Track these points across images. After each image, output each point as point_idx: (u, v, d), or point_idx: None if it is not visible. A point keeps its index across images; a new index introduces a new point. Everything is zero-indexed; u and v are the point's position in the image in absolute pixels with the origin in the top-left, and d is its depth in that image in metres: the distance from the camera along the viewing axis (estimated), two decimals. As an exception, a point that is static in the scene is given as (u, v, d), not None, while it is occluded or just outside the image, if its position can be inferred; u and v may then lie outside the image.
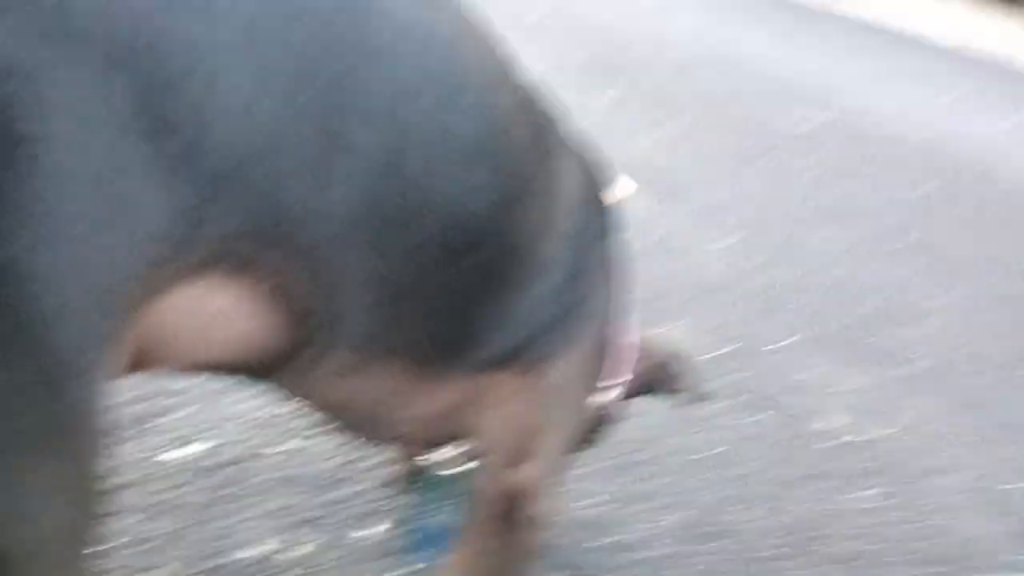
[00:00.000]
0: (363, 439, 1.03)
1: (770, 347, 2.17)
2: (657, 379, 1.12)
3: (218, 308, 0.62)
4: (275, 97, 0.57)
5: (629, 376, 1.06)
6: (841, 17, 8.01)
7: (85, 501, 0.51)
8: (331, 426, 0.97)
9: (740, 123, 4.03)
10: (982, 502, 1.79)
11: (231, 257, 0.59)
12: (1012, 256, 3.30)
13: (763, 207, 3.10)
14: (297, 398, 0.87)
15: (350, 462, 1.41)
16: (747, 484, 1.66)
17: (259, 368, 0.71)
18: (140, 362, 0.60)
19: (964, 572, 1.57)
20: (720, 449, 1.73)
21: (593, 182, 0.91)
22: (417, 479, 1.24)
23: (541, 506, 0.93)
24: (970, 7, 10.44)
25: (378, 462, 1.36)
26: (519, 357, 0.85)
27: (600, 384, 1.00)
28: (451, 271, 0.73)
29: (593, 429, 1.08)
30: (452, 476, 1.19)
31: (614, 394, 1.04)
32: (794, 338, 2.24)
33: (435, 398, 0.86)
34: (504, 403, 0.88)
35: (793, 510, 1.61)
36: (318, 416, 0.94)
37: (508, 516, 0.92)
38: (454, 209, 0.70)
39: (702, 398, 1.20)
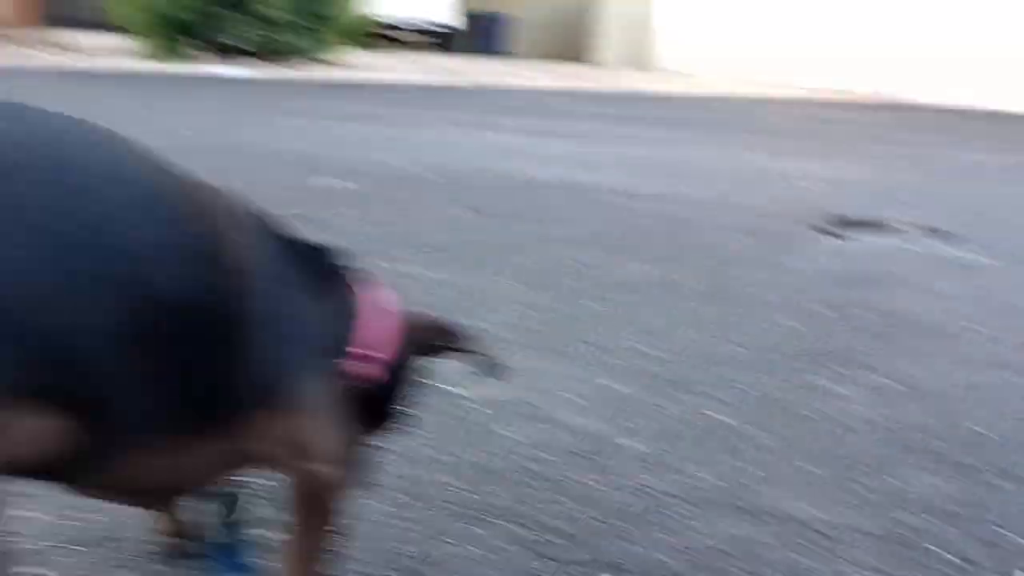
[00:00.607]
0: (154, 507, 1.31)
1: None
2: (438, 340, 1.28)
3: (23, 427, 0.79)
4: (22, 252, 0.76)
5: (385, 354, 1.18)
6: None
7: None
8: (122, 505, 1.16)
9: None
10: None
11: (21, 394, 0.77)
12: None
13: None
14: (93, 494, 1.03)
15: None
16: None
17: (59, 469, 0.88)
18: None
19: None
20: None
21: (258, 224, 1.07)
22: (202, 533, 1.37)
23: (339, 485, 1.13)
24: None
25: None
26: (266, 396, 1.01)
27: (357, 354, 1.15)
28: (190, 347, 0.91)
29: (384, 401, 1.23)
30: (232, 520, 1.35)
31: (373, 367, 1.16)
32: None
33: (213, 449, 1.01)
34: (270, 431, 1.03)
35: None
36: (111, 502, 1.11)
37: (314, 506, 1.13)
38: (171, 301, 0.88)
39: (492, 363, 1.31)
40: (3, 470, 0.82)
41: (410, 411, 1.30)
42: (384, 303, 1.22)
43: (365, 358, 1.16)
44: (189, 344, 0.92)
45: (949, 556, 1.58)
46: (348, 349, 1.15)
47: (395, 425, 1.28)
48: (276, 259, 1.06)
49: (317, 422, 1.09)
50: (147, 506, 1.28)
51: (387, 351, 1.19)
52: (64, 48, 13.28)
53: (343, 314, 1.16)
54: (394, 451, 1.77)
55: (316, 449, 1.09)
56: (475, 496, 1.67)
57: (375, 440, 1.28)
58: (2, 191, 0.78)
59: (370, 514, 1.56)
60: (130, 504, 1.19)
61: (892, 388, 2.35)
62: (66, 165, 0.84)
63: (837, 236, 4.25)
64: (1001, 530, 1.67)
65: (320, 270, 1.15)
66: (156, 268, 0.87)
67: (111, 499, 1.09)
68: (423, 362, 1.28)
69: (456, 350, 1.30)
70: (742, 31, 20.90)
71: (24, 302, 0.76)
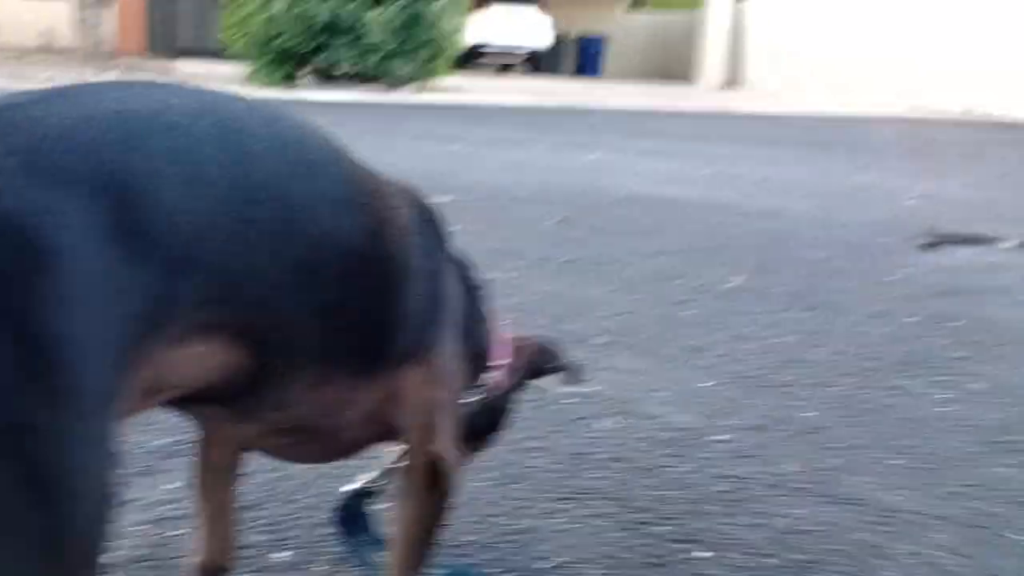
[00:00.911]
0: (303, 460, 1.36)
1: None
2: (539, 364, 1.40)
3: (196, 352, 0.86)
4: (203, 202, 0.82)
5: (509, 361, 1.33)
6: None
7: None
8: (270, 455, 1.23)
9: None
10: None
11: (199, 316, 0.83)
12: None
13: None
14: (252, 431, 1.12)
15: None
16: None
17: (233, 393, 0.96)
18: (144, 399, 0.85)
19: None
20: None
21: (423, 210, 1.17)
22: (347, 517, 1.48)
23: (455, 471, 1.20)
24: None
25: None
26: (416, 350, 1.11)
27: (487, 368, 1.29)
28: (355, 291, 1.00)
29: (496, 413, 1.36)
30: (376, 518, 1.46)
31: (499, 375, 1.31)
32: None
33: (366, 399, 1.10)
34: (414, 390, 1.13)
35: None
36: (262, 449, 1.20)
37: (432, 485, 1.19)
38: (339, 247, 0.97)
39: (579, 375, 1.44)
40: (178, 393, 0.91)
41: (508, 426, 1.44)
42: (502, 328, 1.35)
43: (496, 366, 1.29)
44: (356, 288, 1.00)
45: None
46: (485, 350, 1.28)
47: (497, 439, 1.42)
48: (436, 243, 1.17)
49: (450, 383, 1.18)
50: (305, 458, 1.33)
51: (510, 364, 1.32)
52: (169, 75, 13.94)
53: (481, 320, 1.29)
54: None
55: (441, 420, 1.17)
56: (572, 479, 1.81)
57: (479, 450, 1.41)
58: (195, 147, 0.86)
59: (470, 491, 1.71)
60: (291, 457, 1.26)
61: (980, 391, 2.40)
62: (247, 130, 0.93)
63: (936, 250, 4.26)
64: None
65: (465, 275, 1.28)
66: (328, 216, 0.96)
67: (273, 445, 1.19)
68: (527, 381, 1.41)
69: (557, 369, 1.42)
70: (834, 50, 20.63)
71: (203, 238, 0.82)
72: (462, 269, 1.28)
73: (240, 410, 1.05)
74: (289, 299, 0.93)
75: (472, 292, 1.29)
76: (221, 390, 0.95)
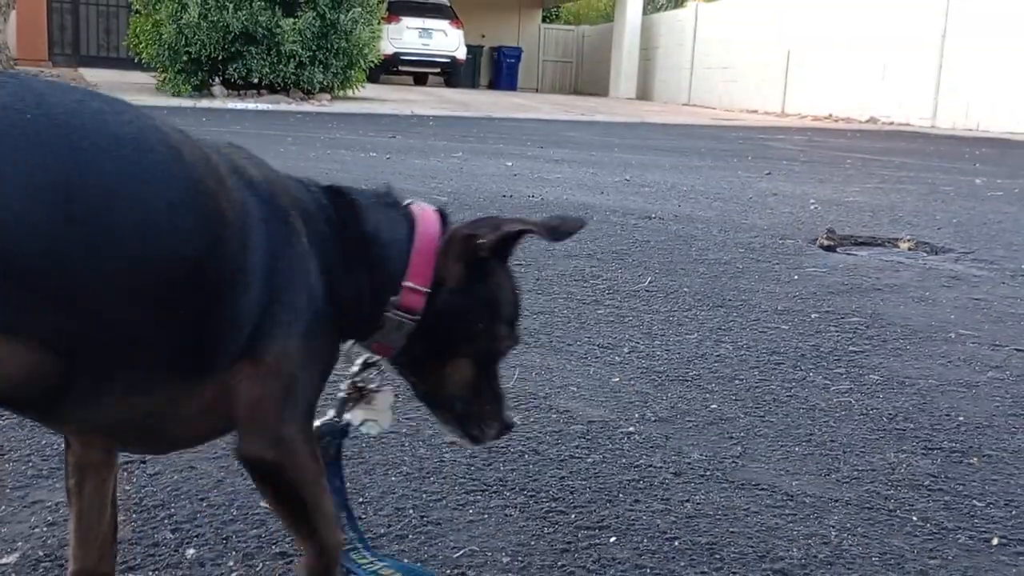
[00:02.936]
0: (142, 451, 1.37)
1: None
2: (495, 237, 1.28)
3: (9, 359, 0.87)
4: (8, 199, 0.84)
5: (430, 266, 1.28)
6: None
7: None
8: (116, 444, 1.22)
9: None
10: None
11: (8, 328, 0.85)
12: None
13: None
14: (82, 430, 1.13)
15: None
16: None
17: (44, 398, 0.95)
18: None
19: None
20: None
21: (290, 201, 1.18)
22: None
23: (293, 468, 1.16)
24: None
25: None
26: (247, 349, 1.08)
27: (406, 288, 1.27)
28: (177, 298, 0.98)
29: (474, 310, 1.31)
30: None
31: (413, 293, 1.27)
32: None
33: (197, 400, 1.08)
34: (245, 389, 1.10)
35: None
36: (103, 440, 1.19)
37: (266, 479, 1.19)
38: (162, 253, 0.96)
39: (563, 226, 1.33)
40: None
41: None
42: (428, 226, 1.30)
43: (409, 291, 1.25)
44: (178, 295, 0.98)
45: (919, 522, 1.73)
46: (400, 284, 1.25)
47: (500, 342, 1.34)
48: (299, 216, 1.16)
49: (288, 376, 1.13)
50: (150, 451, 1.36)
51: (434, 267, 1.27)
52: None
53: (389, 252, 1.26)
54: (407, 434, 1.94)
55: (274, 414, 1.13)
56: (484, 472, 1.83)
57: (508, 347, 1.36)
58: (11, 144, 0.86)
59: (383, 486, 1.72)
60: (135, 450, 1.28)
61: (875, 382, 2.50)
62: (76, 125, 0.91)
63: (835, 252, 4.41)
64: (976, 503, 1.82)
65: (365, 215, 1.26)
66: (152, 221, 0.94)
67: (109, 441, 1.18)
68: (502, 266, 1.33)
69: (522, 235, 1.30)
70: (742, 62, 21.15)
71: (18, 245, 0.84)
72: (363, 207, 1.27)
73: (54, 416, 1.03)
74: (101, 305, 0.92)
75: (352, 238, 1.25)
76: (27, 396, 0.94)
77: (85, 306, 0.90)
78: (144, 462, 1.75)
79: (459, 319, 1.30)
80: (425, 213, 1.33)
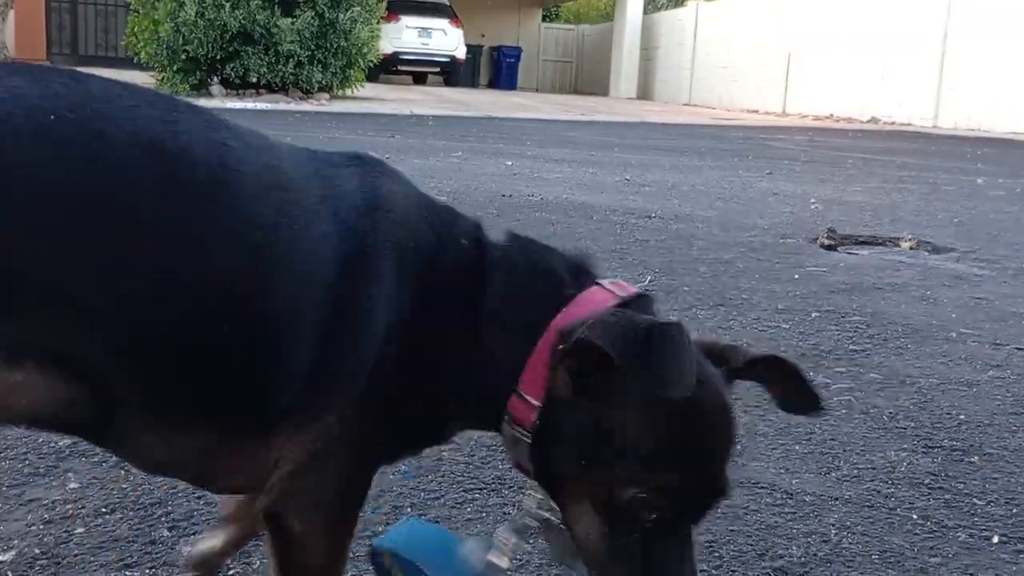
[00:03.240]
0: (205, 488, 1.21)
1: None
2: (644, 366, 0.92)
3: (16, 381, 0.83)
4: (39, 214, 0.79)
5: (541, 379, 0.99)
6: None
7: None
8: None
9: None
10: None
11: (16, 345, 0.82)
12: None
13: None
14: (137, 464, 1.05)
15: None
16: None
17: (76, 428, 0.93)
18: None
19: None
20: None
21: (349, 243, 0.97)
22: None
23: (315, 553, 1.02)
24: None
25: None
26: (294, 414, 0.95)
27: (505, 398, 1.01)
28: (217, 338, 0.89)
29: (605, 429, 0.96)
30: None
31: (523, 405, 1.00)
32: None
33: (236, 451, 0.98)
34: (283, 461, 0.97)
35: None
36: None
37: (282, 557, 1.03)
38: (206, 285, 0.88)
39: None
40: (17, 420, 0.89)
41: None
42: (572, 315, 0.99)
43: (518, 399, 1.00)
44: (219, 335, 0.90)
45: (919, 520, 1.72)
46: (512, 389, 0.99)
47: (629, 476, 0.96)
48: (400, 261, 0.97)
49: (329, 459, 0.98)
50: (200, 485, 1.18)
51: (538, 388, 0.98)
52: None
53: (509, 342, 1.00)
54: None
55: (303, 492, 1.00)
56: (483, 471, 1.82)
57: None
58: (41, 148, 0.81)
59: (383, 484, 1.72)
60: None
61: (876, 380, 2.49)
62: (118, 138, 0.85)
63: (836, 251, 4.40)
64: (976, 501, 1.81)
65: (504, 279, 1.02)
66: (197, 251, 0.87)
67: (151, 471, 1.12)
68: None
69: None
70: (743, 61, 21.15)
71: (28, 255, 0.80)
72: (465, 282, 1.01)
73: (105, 446, 1.01)
74: (134, 331, 0.86)
75: (472, 306, 1.01)
76: (68, 425, 0.92)
77: (102, 335, 0.86)
78: (141, 460, 1.74)
79: (560, 443, 0.98)
80: (594, 295, 1.02)
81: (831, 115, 18.50)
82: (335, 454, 0.98)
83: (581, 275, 1.05)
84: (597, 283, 1.04)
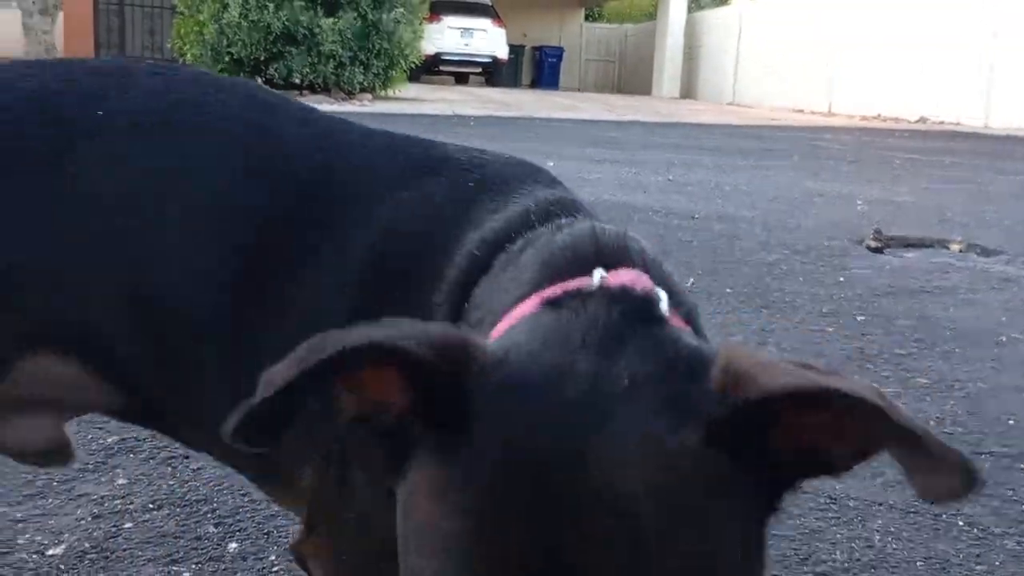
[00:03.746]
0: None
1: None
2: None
3: (67, 377, 0.90)
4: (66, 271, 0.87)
5: None
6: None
7: None
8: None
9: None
10: None
11: (58, 346, 0.89)
12: None
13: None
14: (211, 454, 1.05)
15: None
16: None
17: (134, 418, 1.00)
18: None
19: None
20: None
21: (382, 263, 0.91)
22: None
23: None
24: None
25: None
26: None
27: None
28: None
29: None
30: None
31: None
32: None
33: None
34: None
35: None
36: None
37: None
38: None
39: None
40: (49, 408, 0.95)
41: None
42: None
43: None
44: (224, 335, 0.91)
45: (965, 526, 1.69)
46: None
47: None
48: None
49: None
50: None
51: None
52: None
53: None
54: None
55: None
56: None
57: None
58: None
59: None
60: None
61: (923, 385, 2.46)
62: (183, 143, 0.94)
63: (883, 253, 4.35)
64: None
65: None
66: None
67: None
68: None
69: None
70: (789, 61, 20.96)
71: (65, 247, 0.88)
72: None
73: (170, 436, 1.06)
74: (142, 338, 0.90)
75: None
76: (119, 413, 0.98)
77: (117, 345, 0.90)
78: (187, 457, 1.77)
79: None
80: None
81: (879, 115, 18.26)
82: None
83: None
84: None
